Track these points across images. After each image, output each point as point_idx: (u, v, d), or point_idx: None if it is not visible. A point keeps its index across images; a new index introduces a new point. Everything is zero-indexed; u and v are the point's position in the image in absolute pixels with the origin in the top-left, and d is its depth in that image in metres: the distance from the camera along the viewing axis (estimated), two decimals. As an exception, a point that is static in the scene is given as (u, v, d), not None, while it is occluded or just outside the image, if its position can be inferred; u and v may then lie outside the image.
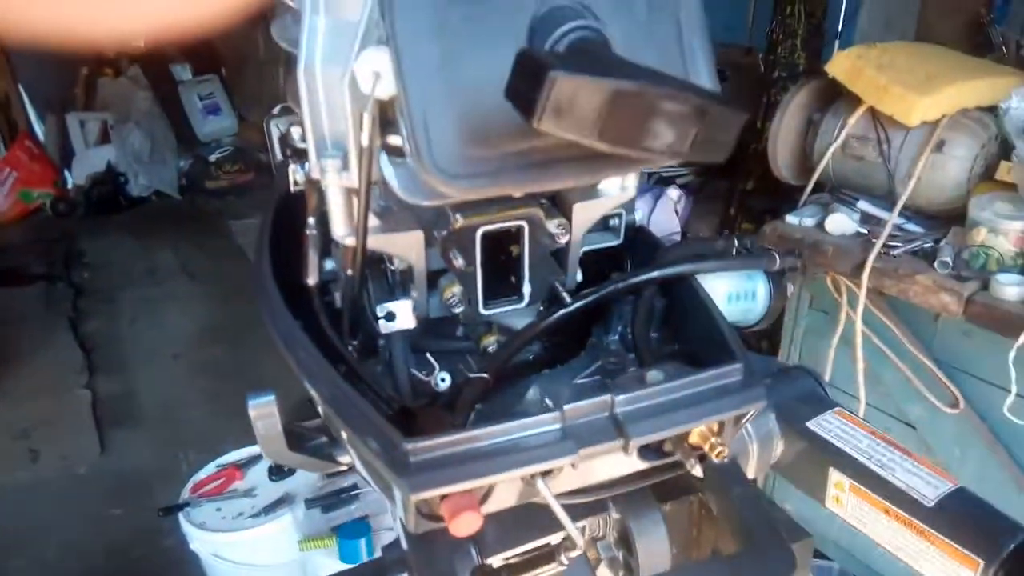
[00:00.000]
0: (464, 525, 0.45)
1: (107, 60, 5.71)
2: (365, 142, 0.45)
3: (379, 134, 0.49)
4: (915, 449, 1.75)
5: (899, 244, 1.63)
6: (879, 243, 1.62)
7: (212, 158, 5.97)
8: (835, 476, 0.56)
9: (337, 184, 0.54)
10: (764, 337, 2.85)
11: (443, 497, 0.46)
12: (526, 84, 0.33)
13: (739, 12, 3.49)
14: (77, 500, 2.74)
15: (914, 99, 1.54)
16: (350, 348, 0.62)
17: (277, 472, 2.30)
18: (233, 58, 6.04)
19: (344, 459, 0.69)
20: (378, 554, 2.01)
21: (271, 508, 2.18)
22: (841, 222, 1.72)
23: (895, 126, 1.63)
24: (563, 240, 0.63)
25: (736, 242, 0.70)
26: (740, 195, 2.92)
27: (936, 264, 1.55)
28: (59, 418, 3.19)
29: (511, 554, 0.65)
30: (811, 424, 0.60)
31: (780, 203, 2.47)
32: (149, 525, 2.54)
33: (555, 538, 0.67)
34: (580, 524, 0.69)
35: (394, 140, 0.51)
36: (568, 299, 0.62)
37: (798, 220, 1.82)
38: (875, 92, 1.62)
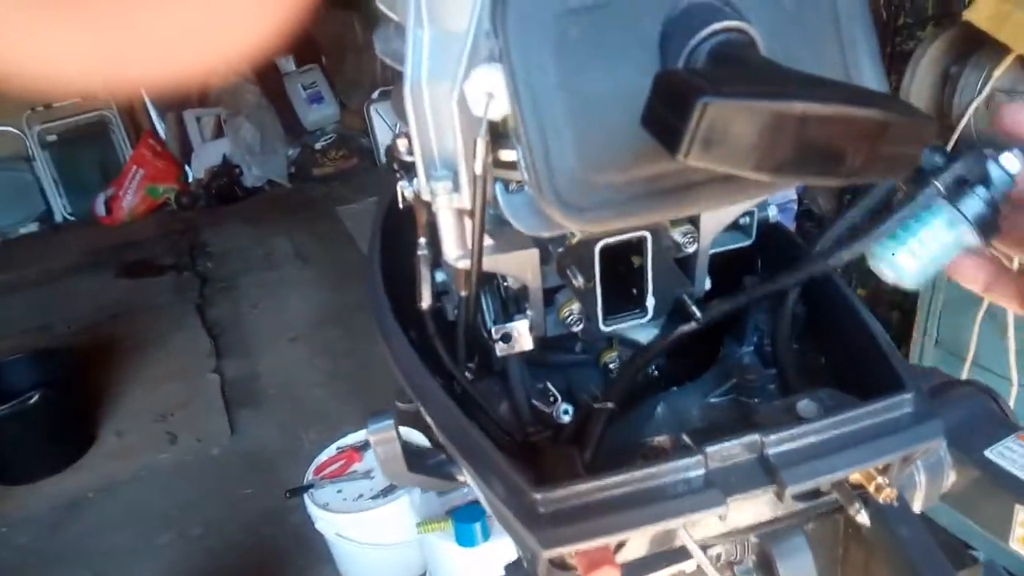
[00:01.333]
0: (600, 581, 0.41)
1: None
2: (478, 170, 0.41)
3: (491, 155, 0.45)
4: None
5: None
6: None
7: (317, 146, 6.16)
8: (1022, 514, 0.49)
9: (447, 206, 0.51)
10: (894, 307, 2.65)
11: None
12: (669, 111, 0.28)
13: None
14: (213, 480, 2.92)
15: (1078, 43, 1.35)
16: (468, 371, 0.59)
17: (393, 455, 2.36)
18: (331, 47, 6.18)
19: (462, 477, 0.67)
20: (494, 539, 2.02)
21: (389, 490, 2.24)
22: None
23: (1053, 75, 1.44)
24: (690, 249, 0.57)
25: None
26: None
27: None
28: (192, 401, 3.41)
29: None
30: (990, 452, 0.52)
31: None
32: (277, 504, 2.68)
33: (688, 566, 0.62)
34: (717, 550, 0.64)
35: (507, 155, 0.47)
36: (696, 312, 0.57)
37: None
38: (1028, 38, 1.43)
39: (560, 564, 0.44)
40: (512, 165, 0.45)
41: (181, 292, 4.49)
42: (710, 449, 0.43)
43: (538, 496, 0.41)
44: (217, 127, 6.06)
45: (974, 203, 0.42)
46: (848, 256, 0.51)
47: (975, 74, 1.62)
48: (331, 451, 2.45)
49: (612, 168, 0.35)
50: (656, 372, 0.65)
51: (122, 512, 2.84)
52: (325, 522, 2.23)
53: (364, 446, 2.44)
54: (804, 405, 0.46)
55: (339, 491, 2.28)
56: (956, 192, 0.43)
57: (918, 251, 0.43)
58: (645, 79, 0.35)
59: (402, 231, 0.63)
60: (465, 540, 1.97)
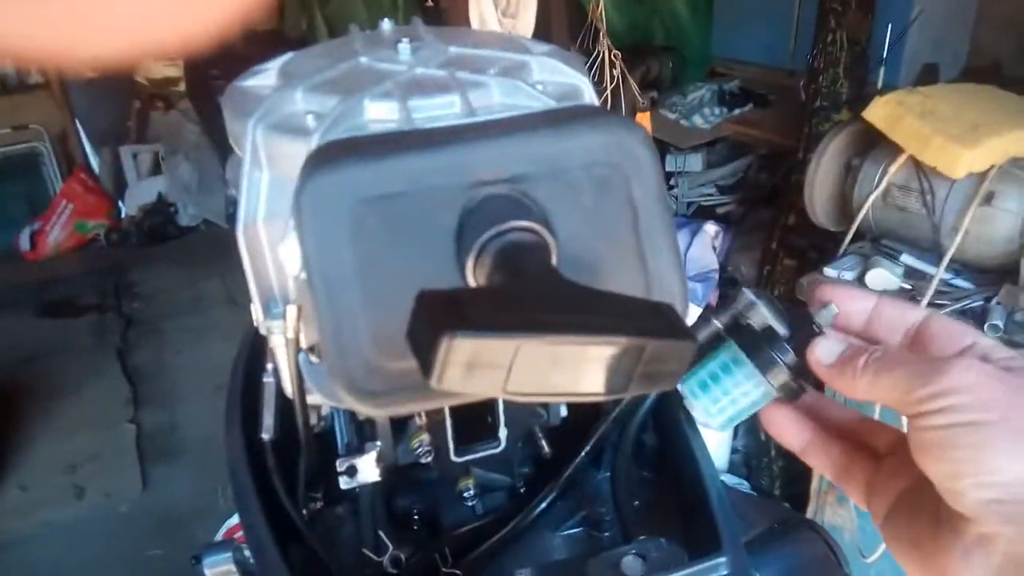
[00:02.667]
0: None
1: (158, 94, 5.89)
2: (289, 334, 0.41)
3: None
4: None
5: (947, 302, 1.53)
6: (924, 301, 1.51)
7: (258, 186, 6.09)
8: (839, 668, 0.50)
9: (283, 345, 0.50)
10: (805, 379, 2.72)
11: None
12: (423, 336, 0.29)
13: (782, 33, 3.39)
14: (119, 539, 2.78)
15: (958, 151, 1.44)
16: (315, 500, 0.58)
17: (307, 519, 2.29)
18: (278, 88, 6.16)
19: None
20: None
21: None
22: (883, 277, 1.62)
23: (940, 177, 1.53)
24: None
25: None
26: (782, 230, 2.80)
27: (986, 327, 1.44)
28: (104, 453, 3.26)
29: None
30: (814, 602, 0.53)
31: (822, 241, 2.36)
32: (185, 567, 2.56)
33: None
34: None
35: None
36: (546, 448, 0.57)
37: (837, 273, 1.72)
38: (917, 142, 1.52)
39: None
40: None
41: (103, 335, 4.32)
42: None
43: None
44: (154, 164, 5.94)
45: (777, 370, 0.43)
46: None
47: (873, 168, 1.71)
48: (243, 514, 2.36)
49: (405, 355, 0.35)
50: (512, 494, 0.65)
51: (21, 573, 2.68)
52: (230, 591, 2.14)
53: (278, 509, 2.37)
54: (629, 561, 0.47)
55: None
56: (756, 347, 0.43)
57: (723, 402, 0.44)
58: (441, 270, 0.36)
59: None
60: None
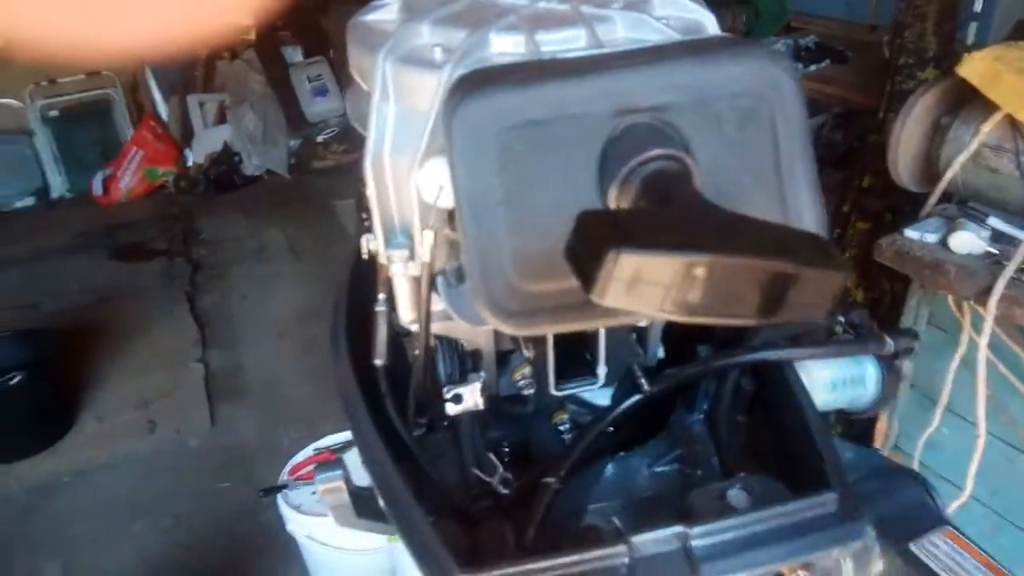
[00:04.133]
0: (520, 661, 0.43)
1: (225, 44, 5.97)
2: (426, 257, 0.43)
3: (445, 237, 0.46)
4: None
5: (1035, 268, 1.47)
6: (1011, 266, 1.46)
7: (319, 138, 6.16)
8: (940, 610, 0.50)
9: (403, 273, 0.52)
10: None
11: (500, 626, 0.44)
12: (585, 253, 0.30)
13: (863, -14, 3.24)
14: (189, 472, 2.92)
15: (1062, 110, 1.37)
16: (419, 425, 0.60)
17: (369, 461, 2.37)
18: (340, 40, 6.16)
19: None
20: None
21: (362, 496, 2.25)
22: (968, 240, 1.56)
23: (1038, 137, 1.46)
24: (643, 321, 0.59)
25: (842, 320, 0.63)
26: (855, 191, 2.71)
27: (1077, 295, 1.39)
28: (175, 390, 3.41)
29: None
30: (915, 546, 0.53)
31: (899, 204, 2.28)
32: (251, 500, 2.68)
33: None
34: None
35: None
36: (645, 384, 0.58)
37: (918, 235, 1.67)
38: (1015, 99, 1.45)
39: (485, 639, 0.45)
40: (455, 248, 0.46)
41: (171, 278, 4.48)
42: (636, 539, 0.44)
43: (462, 577, 0.42)
44: (220, 113, 6.05)
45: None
46: (782, 355, 0.53)
47: (964, 127, 1.64)
48: (308, 452, 2.45)
49: (545, 279, 0.36)
50: (608, 434, 0.66)
51: (95, 499, 2.84)
52: (297, 524, 2.24)
53: (342, 448, 2.45)
54: (734, 494, 0.48)
55: (313, 492, 2.29)
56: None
57: None
58: (583, 196, 0.37)
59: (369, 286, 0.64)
60: (433, 552, 1.98)
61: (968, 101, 1.64)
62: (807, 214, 0.38)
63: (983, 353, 1.61)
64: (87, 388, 3.44)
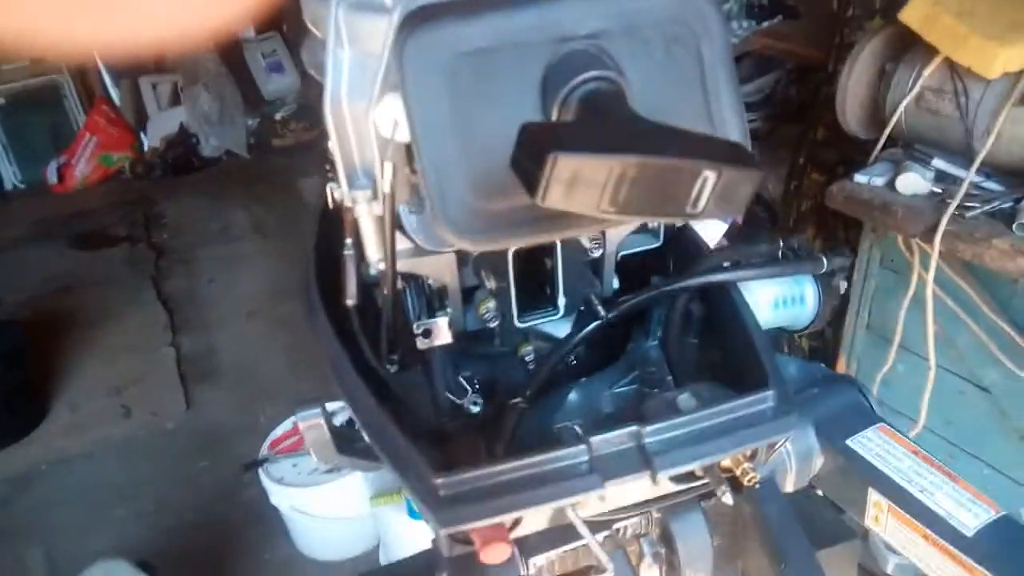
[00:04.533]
0: (493, 555, 0.47)
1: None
2: (386, 188, 0.46)
3: (407, 171, 0.49)
4: (990, 415, 1.68)
5: (976, 204, 1.54)
6: (953, 204, 1.53)
7: (277, 116, 6.08)
8: (874, 496, 0.56)
9: (368, 214, 0.55)
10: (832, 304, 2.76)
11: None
12: (528, 160, 0.33)
13: (812, -59, 3.27)
14: (167, 455, 2.93)
15: (994, 50, 1.43)
16: (392, 363, 0.64)
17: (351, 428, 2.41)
18: (293, 13, 6.05)
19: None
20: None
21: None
22: (913, 181, 1.63)
23: (974, 78, 1.52)
24: (597, 253, 0.63)
25: (782, 243, 0.68)
26: (810, 144, 2.78)
27: (1015, 227, 1.46)
28: (147, 375, 3.40)
29: (552, 554, 0.68)
30: (851, 442, 0.59)
31: (853, 154, 2.35)
32: (232, 479, 2.71)
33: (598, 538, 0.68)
34: (623, 523, 0.70)
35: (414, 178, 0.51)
36: (602, 311, 0.62)
37: (867, 179, 1.73)
38: (952, 42, 1.51)
39: (462, 539, 0.49)
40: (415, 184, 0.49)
41: (135, 264, 4.43)
42: (594, 439, 0.49)
43: (439, 480, 0.46)
44: (174, 95, 5.93)
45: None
46: (728, 277, 0.57)
47: (907, 72, 1.69)
48: (287, 426, 2.48)
49: (498, 197, 0.40)
50: (571, 362, 0.70)
51: (75, 486, 2.84)
52: (280, 496, 2.27)
53: (319, 421, 2.48)
54: (683, 399, 0.52)
55: (294, 465, 2.32)
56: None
57: None
58: (528, 118, 0.40)
59: (338, 234, 0.67)
60: (416, 513, 2.03)
61: (911, 46, 1.70)
62: (731, 128, 0.41)
63: (930, 289, 1.69)
64: (58, 378, 3.41)
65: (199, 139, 5.74)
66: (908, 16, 1.61)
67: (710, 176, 0.34)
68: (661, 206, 0.34)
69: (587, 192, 0.33)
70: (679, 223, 0.35)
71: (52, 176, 5.53)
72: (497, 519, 0.46)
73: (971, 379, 1.83)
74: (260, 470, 2.31)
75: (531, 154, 0.33)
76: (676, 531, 0.69)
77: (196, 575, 2.29)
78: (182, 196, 5.27)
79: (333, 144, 0.54)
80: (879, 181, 1.71)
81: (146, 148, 5.81)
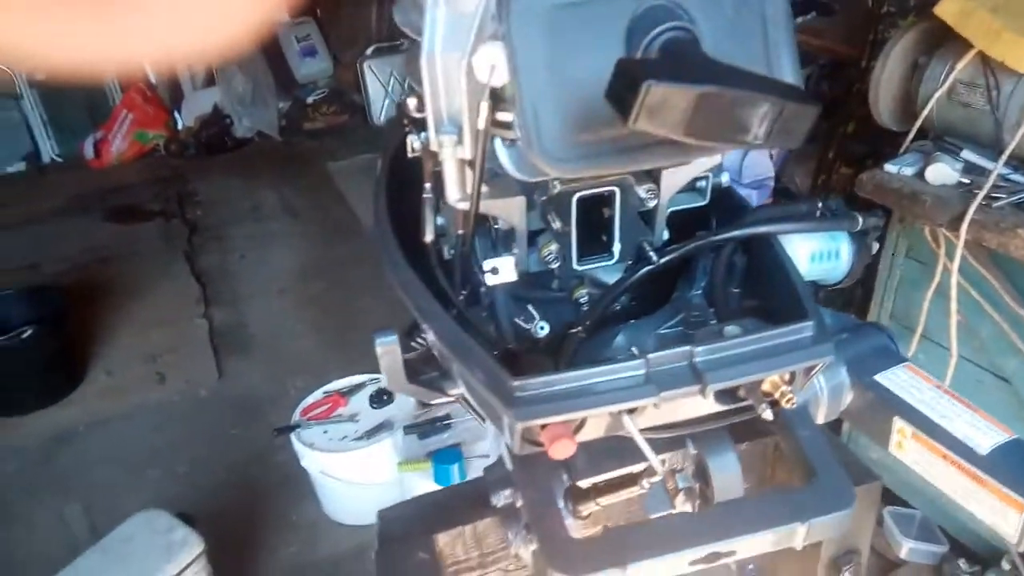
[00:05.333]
0: (560, 450, 0.53)
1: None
2: (481, 125, 0.52)
3: (492, 115, 0.56)
4: (1009, 405, 1.73)
5: (1003, 196, 1.58)
6: (981, 194, 1.57)
7: (309, 100, 6.17)
8: (899, 424, 0.61)
9: (452, 157, 0.62)
10: (859, 284, 2.80)
11: (543, 426, 0.54)
12: (623, 89, 0.39)
13: (848, -61, 3.29)
14: (200, 420, 3.03)
15: (1028, 44, 1.47)
16: (460, 297, 0.71)
17: (377, 400, 2.49)
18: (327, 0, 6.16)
19: (452, 391, 0.79)
20: (470, 477, 2.18)
21: (373, 432, 2.37)
22: (942, 172, 1.67)
23: (1007, 72, 1.56)
24: (652, 203, 0.69)
25: (820, 204, 0.73)
26: (840, 138, 2.82)
27: (1041, 218, 1.51)
28: (181, 345, 3.50)
29: (597, 479, 0.74)
30: (879, 377, 0.64)
31: (881, 148, 2.38)
32: (263, 444, 2.81)
33: (637, 467, 0.75)
34: (661, 457, 0.77)
35: (503, 117, 0.58)
36: (655, 257, 0.69)
37: (897, 169, 1.78)
38: (986, 37, 1.55)
39: (531, 441, 0.56)
40: (507, 124, 0.56)
41: (169, 239, 4.54)
42: (651, 355, 0.55)
43: (515, 383, 0.53)
44: (208, 75, 6.04)
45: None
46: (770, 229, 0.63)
47: (940, 65, 1.74)
48: (318, 395, 2.57)
49: (587, 130, 0.46)
50: (620, 307, 0.77)
51: (112, 447, 2.95)
52: (310, 460, 2.36)
53: (350, 391, 2.57)
54: (730, 329, 0.58)
55: (325, 432, 2.41)
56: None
57: None
58: (612, 63, 0.47)
59: (405, 179, 0.74)
60: (443, 479, 2.11)
61: (945, 41, 1.74)
62: (788, 76, 0.48)
63: (955, 277, 1.73)
64: (95, 344, 3.52)
65: (232, 120, 5.85)
66: (943, 11, 1.66)
67: (775, 109, 0.40)
68: (731, 134, 0.41)
69: (670, 118, 0.39)
70: (747, 148, 0.40)
71: (89, 151, 5.66)
72: (567, 416, 0.52)
73: (991, 369, 1.87)
74: (292, 435, 2.40)
75: (626, 83, 0.39)
76: (711, 466, 0.75)
77: (227, 532, 2.37)
78: (214, 175, 5.38)
79: (425, 94, 0.60)
80: (909, 171, 1.75)
81: (180, 127, 5.93)
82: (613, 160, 0.47)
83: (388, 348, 0.69)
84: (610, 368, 0.54)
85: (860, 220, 0.71)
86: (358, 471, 2.36)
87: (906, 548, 2.01)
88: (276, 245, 4.41)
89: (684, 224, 0.78)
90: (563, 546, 0.55)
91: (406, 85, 0.78)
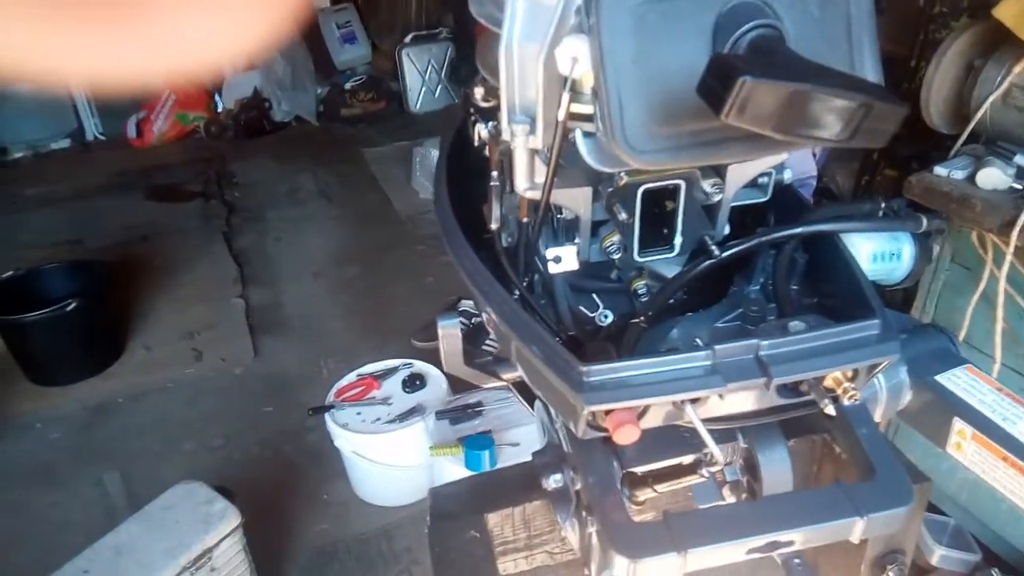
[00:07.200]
0: (625, 435, 0.55)
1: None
2: (560, 117, 0.54)
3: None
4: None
5: (1056, 202, 1.56)
6: (1033, 201, 1.55)
7: (347, 86, 6.22)
8: (958, 425, 0.62)
9: (524, 146, 0.63)
10: (900, 289, 2.77)
11: (607, 412, 0.56)
12: (717, 83, 0.40)
13: (900, -64, 3.23)
14: (235, 397, 3.09)
15: (1092, 48, 1.44)
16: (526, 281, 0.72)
17: (410, 385, 2.53)
18: (367, -14, 6.19)
19: (506, 375, 0.81)
20: (500, 464, 2.21)
21: (405, 416, 2.40)
22: (994, 176, 1.65)
23: (1066, 76, 1.53)
24: (716, 198, 0.70)
25: (883, 204, 0.74)
26: (884, 139, 2.77)
27: (1096, 226, 1.48)
28: (218, 323, 3.57)
29: (646, 468, 0.76)
30: (940, 377, 0.65)
31: (927, 150, 2.35)
32: (295, 423, 2.86)
33: (685, 459, 0.76)
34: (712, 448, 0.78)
35: (578, 108, 0.59)
36: (716, 251, 0.69)
37: (947, 172, 1.75)
38: (1047, 39, 1.52)
39: (594, 426, 0.57)
40: (582, 116, 0.57)
41: (208, 219, 4.62)
42: (718, 347, 0.56)
43: (584, 368, 0.54)
44: (249, 59, 6.12)
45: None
46: (836, 227, 0.64)
47: (996, 69, 1.71)
48: (351, 377, 2.61)
49: (669, 123, 0.47)
50: (675, 301, 0.78)
51: (149, 419, 3.02)
52: (344, 440, 2.40)
53: (383, 375, 2.60)
54: (794, 324, 0.59)
55: (358, 413, 2.45)
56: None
57: None
58: (698, 58, 0.48)
59: (464, 166, 0.75)
60: (473, 465, 2.14)
61: (1001, 43, 1.71)
62: (870, 76, 0.48)
63: (1002, 284, 1.71)
64: (134, 319, 3.61)
65: (271, 103, 5.92)
66: (1003, 13, 1.63)
67: (864, 108, 0.41)
68: (818, 131, 0.41)
69: (762, 114, 0.40)
70: (834, 146, 0.41)
71: (131, 130, 5.77)
72: (634, 403, 0.54)
73: (1034, 378, 1.84)
74: (327, 415, 2.45)
75: (721, 78, 0.40)
76: (761, 460, 0.76)
77: (259, 506, 2.42)
78: (253, 157, 5.46)
79: (502, 84, 0.62)
80: (959, 175, 1.73)
81: (220, 109, 6.01)
82: (693, 153, 0.48)
83: (450, 331, 0.71)
84: (677, 358, 0.55)
85: (924, 221, 0.71)
86: (390, 453, 2.40)
87: (938, 555, 1.99)
88: (311, 229, 4.47)
89: (742, 220, 0.78)
90: (625, 529, 0.56)
91: (476, 75, 0.79)
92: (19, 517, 2.59)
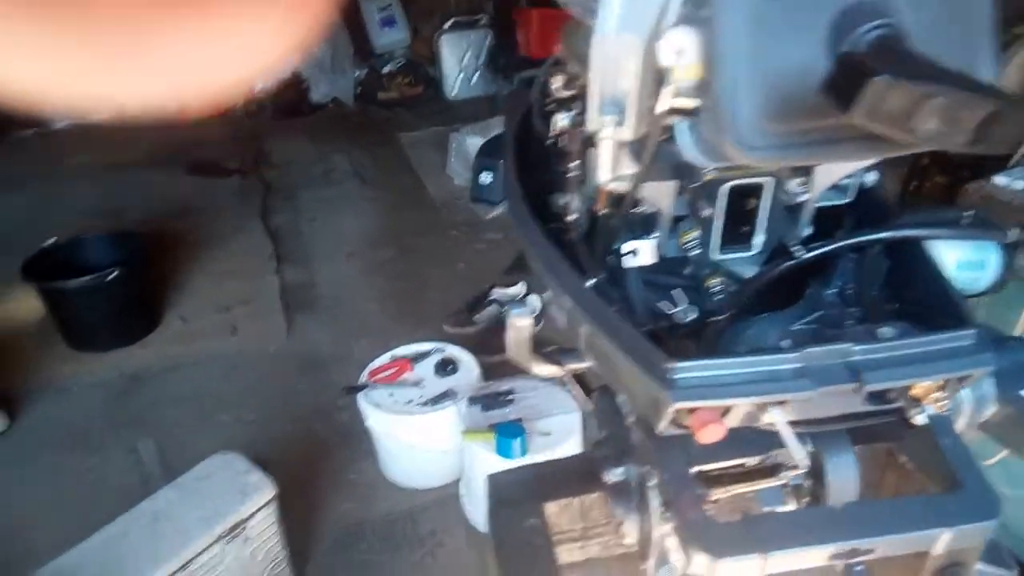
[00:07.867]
0: (709, 434, 0.54)
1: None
2: (660, 109, 0.53)
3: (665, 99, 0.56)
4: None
5: (1122, 217, 1.52)
6: (1099, 214, 1.51)
7: (385, 70, 6.22)
8: (1045, 442, 0.61)
9: (611, 137, 0.62)
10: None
11: (692, 410, 0.55)
12: (846, 82, 0.40)
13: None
14: (269, 373, 3.13)
15: None
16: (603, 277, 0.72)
17: (442, 369, 2.54)
18: (411, -29, 6.18)
19: (569, 365, 0.81)
20: (532, 454, 2.20)
21: (437, 400, 2.42)
22: (1056, 188, 1.61)
23: None
24: (800, 198, 0.69)
25: (964, 213, 0.72)
26: (934, 145, 2.73)
27: None
28: (253, 299, 3.61)
29: (711, 467, 0.75)
30: (1026, 392, 0.64)
31: (980, 158, 2.30)
32: (327, 401, 2.89)
33: (750, 461, 0.76)
34: (775, 452, 0.77)
35: (675, 103, 0.58)
36: (801, 252, 0.68)
37: (1007, 181, 1.72)
38: (1124, 49, 1.47)
39: (676, 423, 0.57)
40: (679, 109, 0.56)
41: (245, 196, 4.66)
42: (808, 350, 0.55)
43: (670, 365, 0.54)
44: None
45: None
46: (926, 233, 0.63)
47: (1063, 77, 1.66)
48: (385, 358, 2.63)
49: (782, 119, 0.47)
50: (754, 298, 0.77)
51: (184, 390, 3.07)
52: (376, 420, 2.42)
53: (416, 358, 2.62)
54: (884, 330, 0.58)
55: (391, 395, 2.47)
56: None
57: None
58: (815, 54, 0.47)
59: (528, 153, 0.75)
60: (505, 452, 2.14)
61: (1071, 51, 1.67)
62: (988, 73, 0.47)
63: (1058, 299, 1.67)
64: (171, 291, 3.66)
65: (309, 84, 5.95)
66: (1076, 19, 1.58)
67: (992, 113, 0.40)
68: (949, 137, 0.40)
69: (888, 115, 0.39)
70: (959, 151, 0.40)
71: (172, 105, 5.83)
72: (722, 402, 0.53)
73: (1084, 396, 1.81)
74: (360, 395, 2.47)
75: (850, 77, 0.39)
76: (828, 465, 0.75)
77: (290, 481, 2.45)
78: (289, 137, 5.49)
79: (592, 75, 0.61)
80: (1021, 184, 1.69)
81: (258, 88, 6.06)
82: (804, 151, 0.48)
83: (521, 321, 0.70)
84: (767, 359, 0.55)
85: (1011, 234, 0.70)
86: (422, 435, 2.42)
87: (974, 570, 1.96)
88: (346, 210, 4.49)
89: (821, 221, 0.77)
90: (707, 527, 0.56)
91: (549, 65, 0.78)
92: (57, 480, 2.65)
